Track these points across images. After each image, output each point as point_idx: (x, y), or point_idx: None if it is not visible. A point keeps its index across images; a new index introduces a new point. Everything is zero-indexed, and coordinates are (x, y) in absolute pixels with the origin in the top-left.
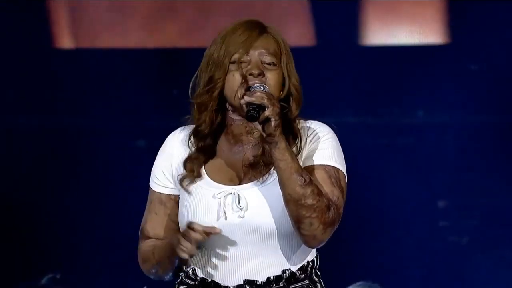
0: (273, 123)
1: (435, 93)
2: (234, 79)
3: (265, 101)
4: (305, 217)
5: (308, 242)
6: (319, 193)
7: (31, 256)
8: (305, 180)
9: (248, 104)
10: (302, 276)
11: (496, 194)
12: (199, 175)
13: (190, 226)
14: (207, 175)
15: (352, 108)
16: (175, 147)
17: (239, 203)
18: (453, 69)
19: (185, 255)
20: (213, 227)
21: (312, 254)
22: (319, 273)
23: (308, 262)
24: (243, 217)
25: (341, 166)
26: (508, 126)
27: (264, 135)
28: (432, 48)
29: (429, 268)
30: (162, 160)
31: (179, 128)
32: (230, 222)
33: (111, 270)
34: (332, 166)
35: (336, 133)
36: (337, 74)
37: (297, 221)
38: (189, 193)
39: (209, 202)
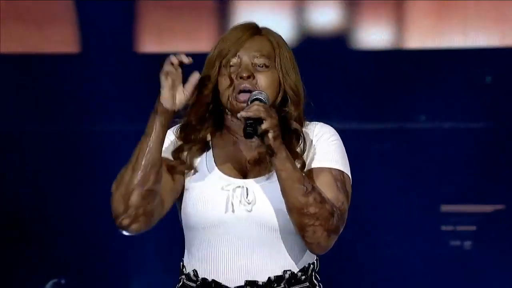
0: (271, 135)
1: (438, 98)
2: (224, 82)
3: (262, 114)
4: (308, 225)
5: (313, 249)
6: (322, 200)
7: (35, 261)
8: (307, 189)
9: (246, 119)
10: (303, 277)
11: (499, 199)
12: (191, 167)
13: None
14: (217, 166)
15: (354, 113)
16: (168, 137)
17: (247, 197)
18: (455, 74)
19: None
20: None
21: (313, 257)
22: (318, 276)
23: (309, 264)
24: (251, 211)
25: (346, 168)
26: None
27: (264, 146)
28: (435, 53)
29: (431, 274)
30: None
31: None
32: (237, 215)
33: (116, 275)
34: (337, 169)
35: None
36: (340, 79)
37: (300, 229)
38: (196, 182)
39: (217, 194)
